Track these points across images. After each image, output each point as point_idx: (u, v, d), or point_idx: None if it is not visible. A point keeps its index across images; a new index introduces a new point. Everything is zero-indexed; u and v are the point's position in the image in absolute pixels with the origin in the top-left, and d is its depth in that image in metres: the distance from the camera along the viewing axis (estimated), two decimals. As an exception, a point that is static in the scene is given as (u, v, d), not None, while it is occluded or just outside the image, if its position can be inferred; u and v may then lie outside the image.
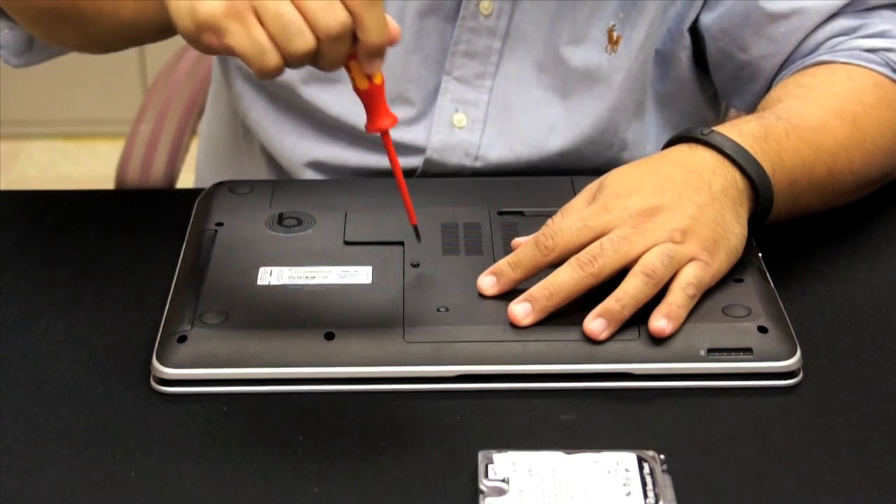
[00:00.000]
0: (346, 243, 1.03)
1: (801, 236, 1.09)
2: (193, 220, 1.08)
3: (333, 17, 0.85)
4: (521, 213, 1.07)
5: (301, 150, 1.24)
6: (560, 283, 0.94)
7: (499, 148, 1.21)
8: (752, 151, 1.01)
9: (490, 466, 0.82)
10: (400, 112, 1.17)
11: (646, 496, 0.80)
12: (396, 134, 1.14)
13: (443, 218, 1.06)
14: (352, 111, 1.20)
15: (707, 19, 1.20)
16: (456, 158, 1.21)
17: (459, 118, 1.20)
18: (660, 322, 0.93)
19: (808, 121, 1.08)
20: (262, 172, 1.31)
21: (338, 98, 1.21)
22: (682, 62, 1.23)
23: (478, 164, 1.21)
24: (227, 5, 0.84)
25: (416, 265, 1.00)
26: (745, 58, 1.20)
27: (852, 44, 1.16)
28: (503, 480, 0.81)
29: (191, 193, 1.12)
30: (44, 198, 1.20)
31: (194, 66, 1.50)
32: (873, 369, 0.94)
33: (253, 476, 0.85)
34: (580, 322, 0.93)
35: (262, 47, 0.85)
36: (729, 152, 1.00)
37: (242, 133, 1.33)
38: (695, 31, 1.22)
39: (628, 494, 0.81)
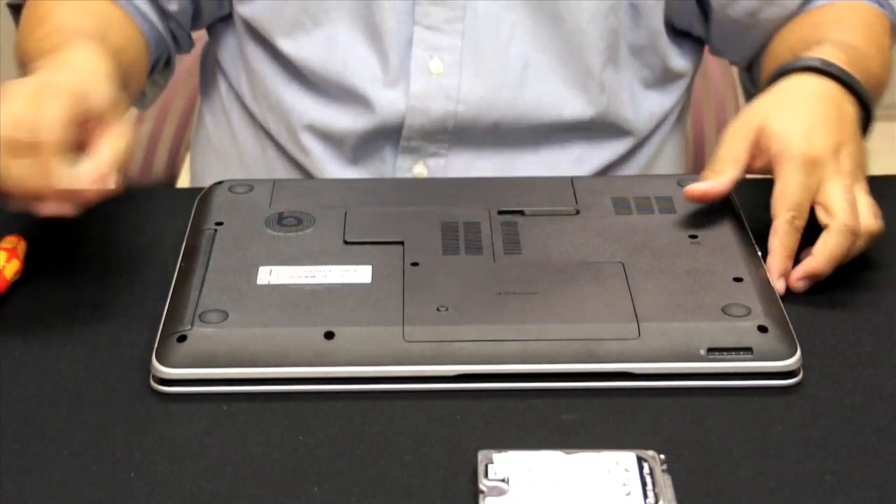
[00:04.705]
0: (346, 243, 1.03)
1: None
2: (193, 219, 1.08)
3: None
4: (521, 212, 1.07)
5: (299, 109, 1.28)
6: (835, 253, 1.01)
7: (479, 89, 1.25)
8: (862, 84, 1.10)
9: (490, 466, 0.82)
10: (381, 66, 1.23)
11: (645, 496, 0.80)
12: (381, 90, 1.22)
13: (443, 217, 1.06)
14: (328, 63, 1.25)
15: None
16: (438, 104, 1.24)
17: (436, 65, 1.24)
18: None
19: (859, 50, 1.16)
20: (258, 172, 1.32)
21: (313, 49, 1.25)
22: (654, 13, 1.26)
23: (461, 107, 1.24)
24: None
25: (415, 264, 1.00)
26: (752, 21, 1.27)
27: None
28: (503, 480, 0.81)
29: (191, 193, 1.12)
30: (44, 197, 1.20)
31: (194, 66, 1.50)
32: (873, 369, 0.94)
33: (253, 476, 0.85)
34: (580, 321, 0.94)
35: None
36: (855, 86, 1.09)
37: (235, 130, 1.34)
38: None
39: (628, 494, 0.81)
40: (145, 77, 1.24)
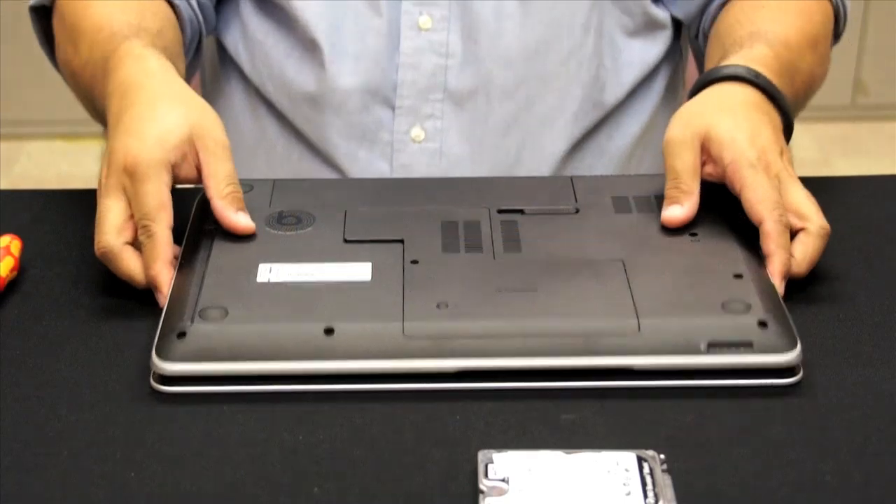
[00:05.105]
0: (346, 241, 1.03)
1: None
2: (193, 218, 1.08)
3: None
4: (521, 211, 1.07)
5: (300, 80, 1.30)
6: (815, 256, 1.03)
7: (466, 42, 1.28)
8: (784, 93, 1.11)
9: (490, 466, 0.82)
10: (373, 22, 1.27)
11: (645, 496, 0.80)
12: (374, 50, 1.26)
13: (443, 216, 1.06)
14: (331, 27, 1.27)
15: None
16: (429, 61, 1.28)
17: (425, 20, 1.27)
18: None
19: (791, 48, 1.17)
20: (258, 157, 1.33)
21: (319, 9, 1.27)
22: None
23: (451, 62, 1.28)
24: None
25: (415, 262, 1.00)
26: None
27: None
28: (503, 480, 0.81)
29: (191, 192, 1.12)
30: (44, 197, 1.20)
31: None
32: (873, 369, 0.94)
33: (253, 476, 0.85)
34: (579, 316, 0.94)
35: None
36: (777, 98, 1.10)
37: (236, 114, 1.35)
38: None
39: (628, 494, 0.81)
40: (183, 58, 1.23)
